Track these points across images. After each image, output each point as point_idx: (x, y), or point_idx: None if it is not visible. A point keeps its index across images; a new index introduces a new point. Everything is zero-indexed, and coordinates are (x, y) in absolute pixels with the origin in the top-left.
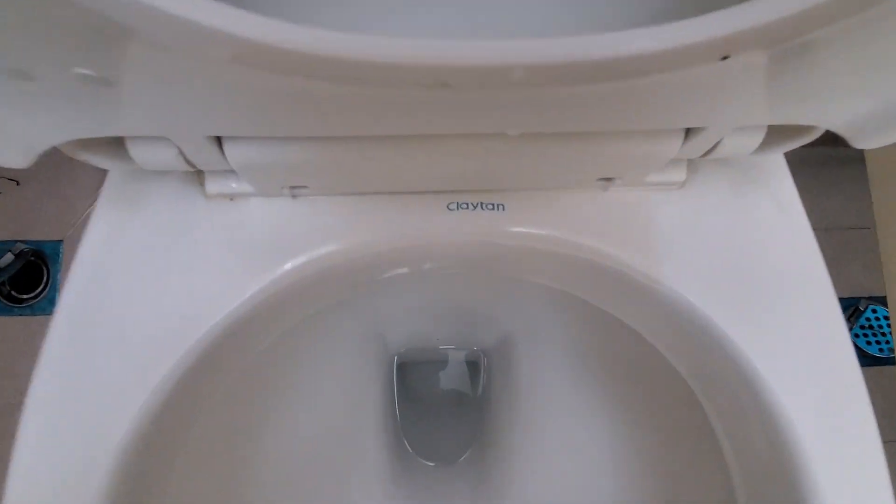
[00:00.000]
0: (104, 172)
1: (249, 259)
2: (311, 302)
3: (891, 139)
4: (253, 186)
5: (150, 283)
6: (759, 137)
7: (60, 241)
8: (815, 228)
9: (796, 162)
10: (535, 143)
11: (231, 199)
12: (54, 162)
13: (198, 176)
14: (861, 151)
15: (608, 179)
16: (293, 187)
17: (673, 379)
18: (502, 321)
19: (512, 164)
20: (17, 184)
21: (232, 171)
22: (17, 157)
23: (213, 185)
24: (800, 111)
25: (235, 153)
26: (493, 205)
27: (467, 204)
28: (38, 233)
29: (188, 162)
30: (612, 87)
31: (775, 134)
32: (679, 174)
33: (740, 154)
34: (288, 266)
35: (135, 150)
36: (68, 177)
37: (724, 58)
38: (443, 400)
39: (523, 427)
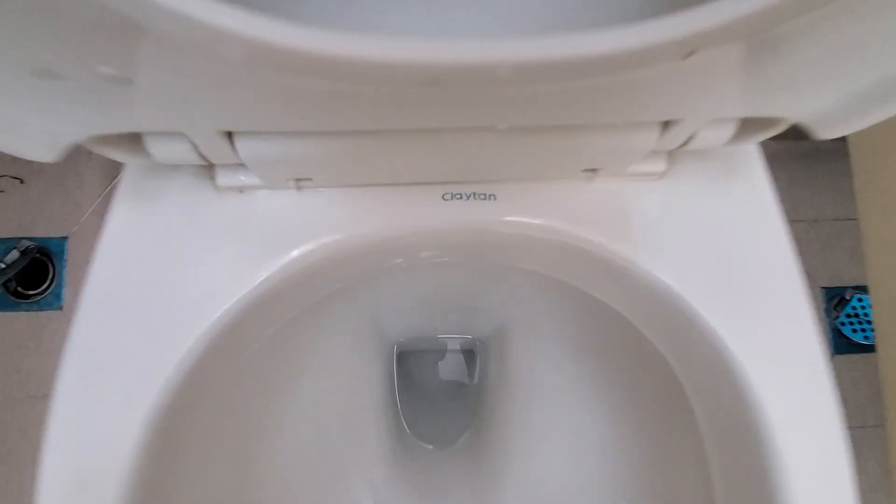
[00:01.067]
0: (108, 171)
1: (259, 248)
2: (315, 289)
3: (853, 128)
4: (261, 179)
5: (167, 272)
6: (730, 129)
7: (65, 238)
8: (804, 219)
9: (786, 155)
10: (522, 137)
11: (240, 192)
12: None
13: (209, 170)
14: (846, 145)
15: (593, 170)
16: (298, 179)
17: (660, 363)
18: (498, 310)
19: (501, 157)
20: (22, 182)
21: (241, 165)
22: (43, 152)
23: (223, 178)
24: (770, 103)
25: (246, 147)
26: (484, 195)
27: (461, 194)
28: (44, 230)
29: (201, 156)
30: (589, 84)
31: (746, 126)
32: (659, 165)
33: (714, 145)
34: (294, 254)
35: (152, 145)
36: (73, 175)
37: (689, 55)
38: (441, 386)
39: (518, 411)
